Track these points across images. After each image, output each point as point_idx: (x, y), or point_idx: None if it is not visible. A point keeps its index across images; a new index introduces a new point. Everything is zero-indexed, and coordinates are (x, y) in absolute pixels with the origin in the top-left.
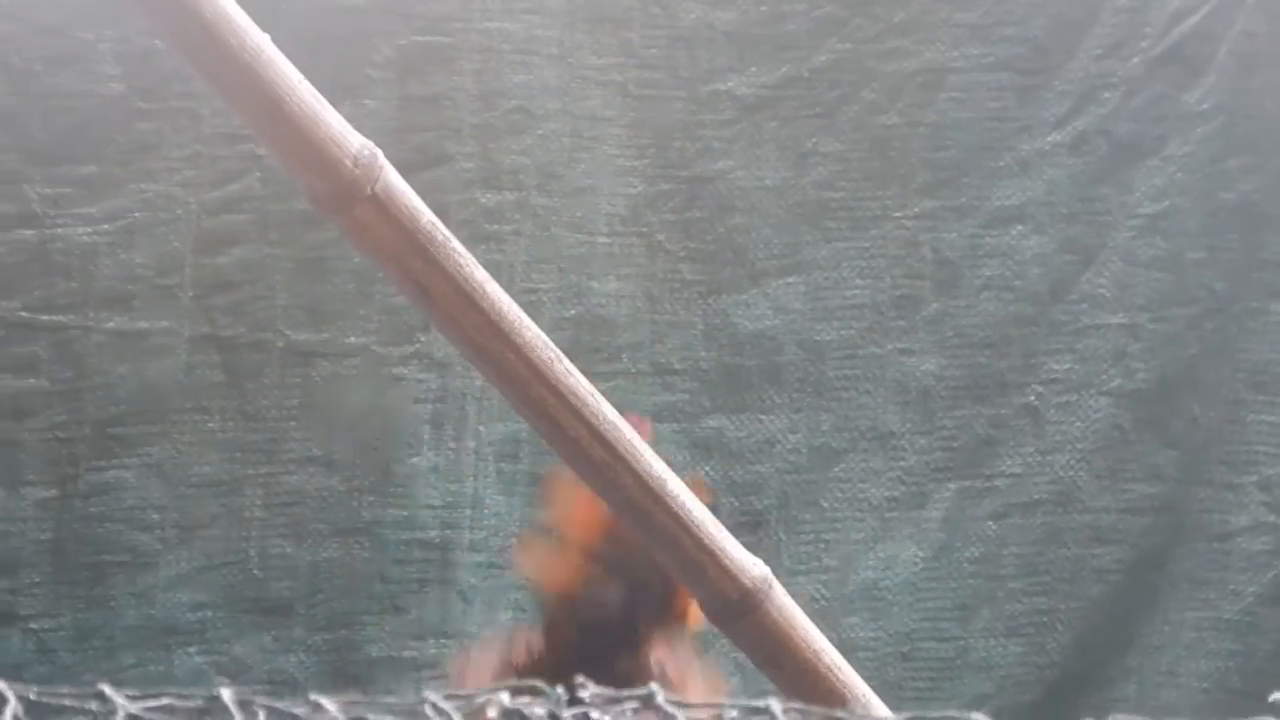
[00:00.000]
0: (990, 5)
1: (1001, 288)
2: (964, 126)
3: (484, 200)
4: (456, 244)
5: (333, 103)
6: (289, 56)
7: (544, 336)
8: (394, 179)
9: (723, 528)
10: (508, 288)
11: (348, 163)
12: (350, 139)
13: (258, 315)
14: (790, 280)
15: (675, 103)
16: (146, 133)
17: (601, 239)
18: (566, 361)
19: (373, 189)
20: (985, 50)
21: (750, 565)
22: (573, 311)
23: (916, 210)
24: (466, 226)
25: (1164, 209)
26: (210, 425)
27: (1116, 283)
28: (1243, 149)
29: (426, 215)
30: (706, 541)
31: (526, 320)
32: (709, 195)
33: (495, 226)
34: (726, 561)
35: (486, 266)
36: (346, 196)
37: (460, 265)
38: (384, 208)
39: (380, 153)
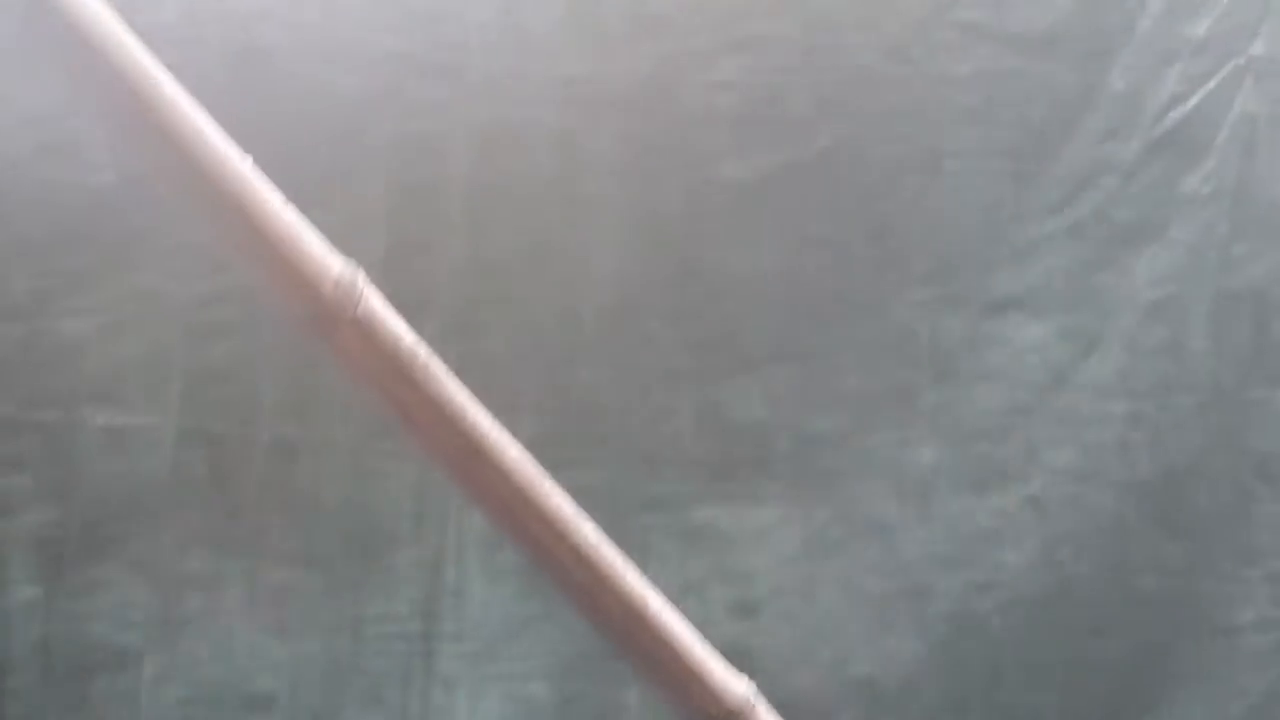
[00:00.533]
0: (988, 89)
1: (1001, 376)
2: (963, 212)
3: (472, 289)
4: (438, 366)
5: (324, 190)
6: (282, 144)
7: (528, 459)
8: (375, 302)
9: (707, 646)
10: (495, 376)
11: (329, 287)
12: (332, 263)
13: (244, 410)
14: (784, 369)
15: (673, 187)
16: (136, 223)
17: (591, 328)
18: (550, 484)
19: (355, 312)
20: (983, 134)
21: (734, 684)
22: (560, 401)
23: (915, 298)
24: (454, 315)
25: (1167, 295)
26: (194, 522)
27: (1119, 371)
28: (1247, 233)
29: (408, 338)
30: (689, 661)
31: (509, 442)
32: (704, 282)
33: (483, 315)
34: (710, 681)
35: (474, 355)
36: (329, 320)
37: (442, 389)
38: (366, 332)
39: (361, 275)
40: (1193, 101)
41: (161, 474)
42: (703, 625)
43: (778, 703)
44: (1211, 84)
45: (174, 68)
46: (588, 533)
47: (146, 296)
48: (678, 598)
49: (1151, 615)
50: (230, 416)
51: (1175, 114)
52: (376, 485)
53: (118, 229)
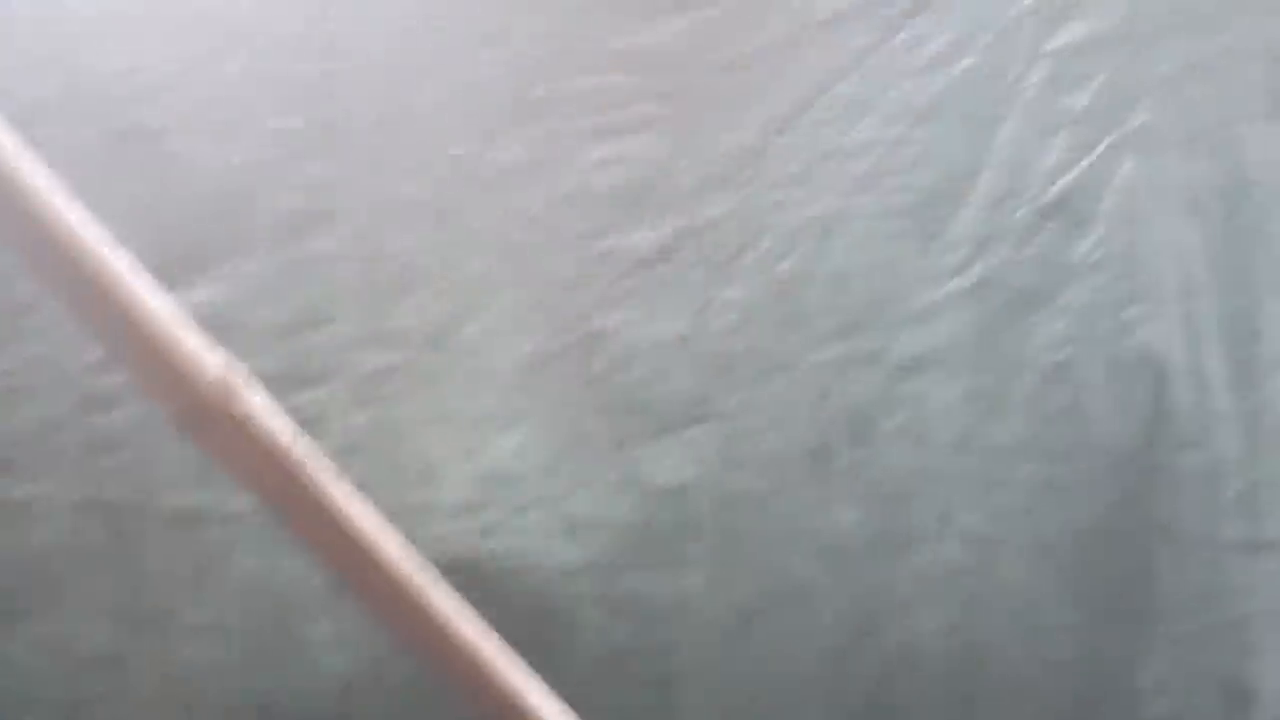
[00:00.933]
0: (877, 157)
1: (912, 438)
2: (865, 273)
3: (373, 361)
4: (317, 461)
5: (213, 264)
6: (170, 218)
7: (407, 553)
8: (254, 398)
9: None
10: (404, 446)
11: (207, 382)
12: (209, 359)
13: (142, 478)
14: (700, 431)
15: (565, 260)
16: (25, 293)
17: (498, 395)
18: (430, 578)
19: (233, 408)
20: (877, 199)
21: None
22: (475, 469)
23: (824, 358)
24: (356, 388)
25: (1066, 358)
26: (97, 595)
27: (1023, 433)
28: (1138, 300)
29: (287, 434)
30: None
31: (389, 537)
32: (609, 348)
33: (386, 387)
34: None
35: (380, 426)
36: (207, 416)
37: (321, 485)
38: (245, 428)
39: (240, 370)
40: (1077, 170)
41: (59, 545)
42: (624, 694)
43: None
44: (1095, 154)
45: (56, 146)
46: (469, 626)
47: (37, 365)
48: (605, 668)
49: (1063, 679)
50: (128, 485)
51: (1062, 182)
52: (286, 555)
53: (5, 299)
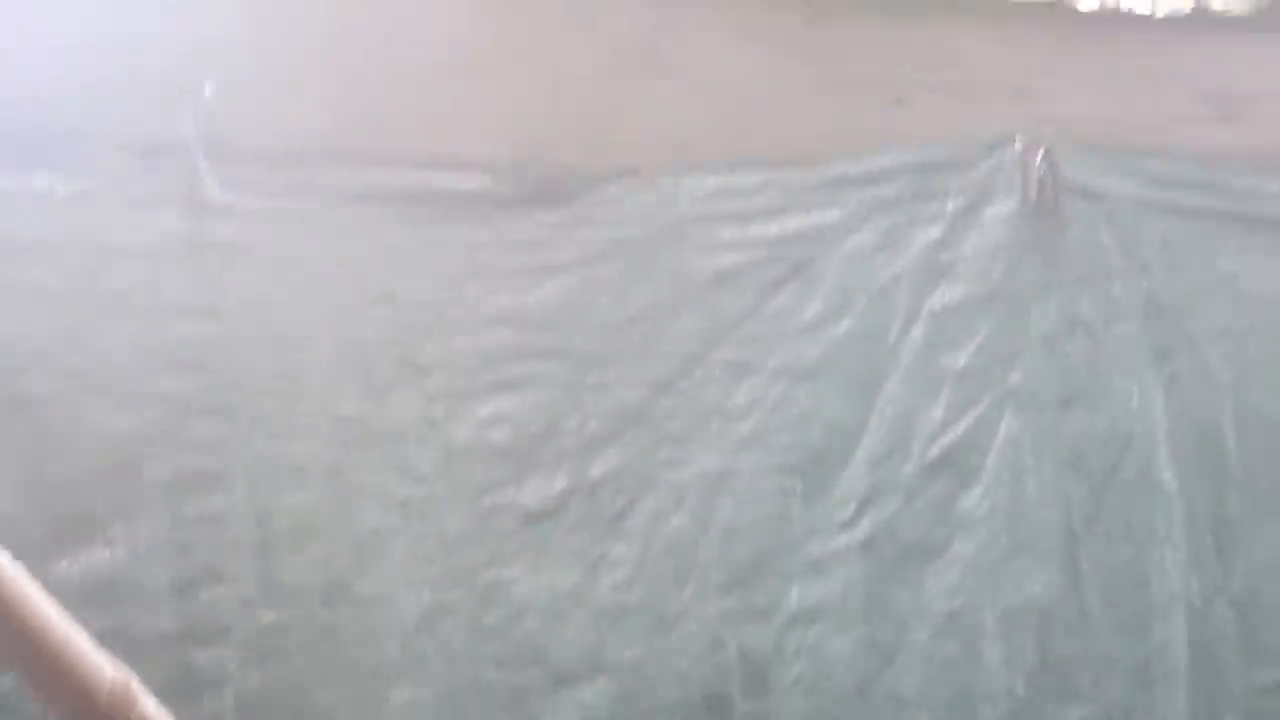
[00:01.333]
0: (763, 415)
1: (808, 687)
2: (754, 527)
3: (267, 617)
4: None
5: (106, 526)
6: (61, 483)
7: None
8: (150, 707)
9: None
10: (302, 701)
11: (104, 695)
12: (105, 670)
13: None
14: (597, 683)
15: (457, 515)
16: None
17: (395, 649)
18: None
19: (131, 716)
20: (763, 456)
21: None
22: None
23: (717, 609)
24: (251, 645)
25: (957, 609)
26: None
27: (918, 682)
28: (1024, 550)
29: None
30: None
31: None
32: (502, 602)
33: (280, 642)
34: None
35: (274, 682)
36: None
37: None
38: None
39: (134, 680)
40: (960, 428)
41: None
42: None
43: None
44: (977, 411)
45: None
46: None
47: None
48: None
49: None
50: None
51: (946, 439)
52: None
53: None
